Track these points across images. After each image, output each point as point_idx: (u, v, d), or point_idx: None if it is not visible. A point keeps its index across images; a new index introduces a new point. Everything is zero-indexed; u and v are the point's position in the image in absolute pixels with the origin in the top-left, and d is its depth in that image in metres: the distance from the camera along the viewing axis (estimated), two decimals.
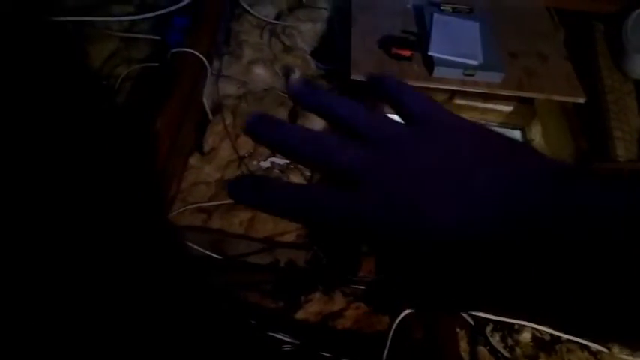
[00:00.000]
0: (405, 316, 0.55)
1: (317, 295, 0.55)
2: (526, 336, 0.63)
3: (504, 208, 0.20)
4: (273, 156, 0.82)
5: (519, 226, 0.19)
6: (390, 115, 0.26)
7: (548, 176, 0.20)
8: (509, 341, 0.63)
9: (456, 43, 0.85)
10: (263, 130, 0.25)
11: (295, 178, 0.79)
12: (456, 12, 0.90)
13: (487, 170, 0.21)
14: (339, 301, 0.56)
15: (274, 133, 0.25)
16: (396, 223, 0.21)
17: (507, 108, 0.92)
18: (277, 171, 0.78)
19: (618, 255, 0.17)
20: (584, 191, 0.19)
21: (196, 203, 0.74)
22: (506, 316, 0.62)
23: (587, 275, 0.18)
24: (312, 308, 0.55)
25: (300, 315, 0.55)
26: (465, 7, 0.91)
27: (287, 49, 0.91)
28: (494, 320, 0.61)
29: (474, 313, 0.58)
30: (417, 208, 0.21)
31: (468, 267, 0.20)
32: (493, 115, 0.92)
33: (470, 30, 0.88)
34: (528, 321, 0.62)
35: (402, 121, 0.26)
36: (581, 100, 0.86)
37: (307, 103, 0.26)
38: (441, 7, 0.90)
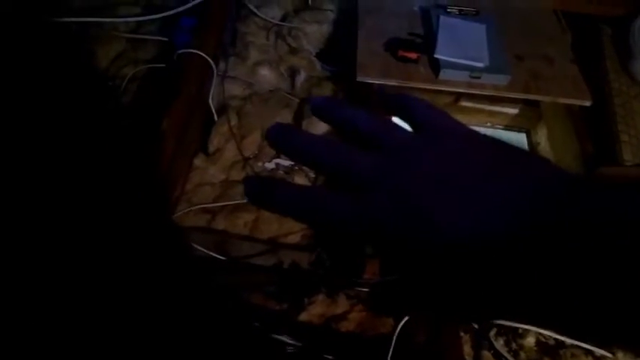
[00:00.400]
0: (408, 320, 0.55)
1: (320, 297, 0.55)
2: (530, 340, 0.63)
3: (514, 216, 0.20)
4: (278, 157, 0.82)
5: (527, 233, 0.19)
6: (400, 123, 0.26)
7: (555, 185, 0.21)
8: (514, 346, 0.63)
9: (462, 46, 0.85)
10: (283, 139, 0.27)
11: (300, 180, 0.79)
12: (462, 14, 0.90)
13: (497, 179, 0.22)
14: (342, 304, 0.56)
15: (294, 142, 0.26)
16: (409, 228, 0.22)
17: (513, 110, 0.91)
18: (282, 172, 0.78)
19: (624, 261, 0.17)
20: (589, 198, 0.19)
21: (201, 204, 0.74)
22: (510, 321, 0.62)
23: (593, 281, 0.18)
24: (315, 311, 0.55)
25: (303, 317, 0.55)
26: (471, 9, 0.91)
27: (293, 51, 0.91)
28: (499, 324, 0.61)
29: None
30: (429, 214, 0.21)
31: (478, 273, 0.20)
32: (499, 117, 0.92)
33: (476, 32, 0.88)
34: (533, 325, 0.62)
35: (413, 131, 0.27)
36: (588, 103, 0.86)
37: (330, 118, 0.28)
38: (448, 10, 0.90)
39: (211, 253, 0.68)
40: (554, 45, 0.91)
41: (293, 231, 0.72)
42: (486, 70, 0.82)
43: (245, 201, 0.75)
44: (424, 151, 0.24)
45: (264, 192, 0.26)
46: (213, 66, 0.82)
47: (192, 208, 0.73)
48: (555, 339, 0.63)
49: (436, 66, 0.82)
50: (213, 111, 0.81)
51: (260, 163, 0.80)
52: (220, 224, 0.72)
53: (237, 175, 0.78)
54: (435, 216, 0.21)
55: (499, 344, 0.63)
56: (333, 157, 0.25)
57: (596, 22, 0.99)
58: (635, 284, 0.17)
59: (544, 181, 0.21)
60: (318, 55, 0.93)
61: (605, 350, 0.62)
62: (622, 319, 0.18)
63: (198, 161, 0.78)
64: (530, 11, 0.96)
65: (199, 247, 0.69)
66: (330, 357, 0.53)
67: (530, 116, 0.92)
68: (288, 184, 0.26)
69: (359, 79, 0.80)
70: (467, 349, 0.61)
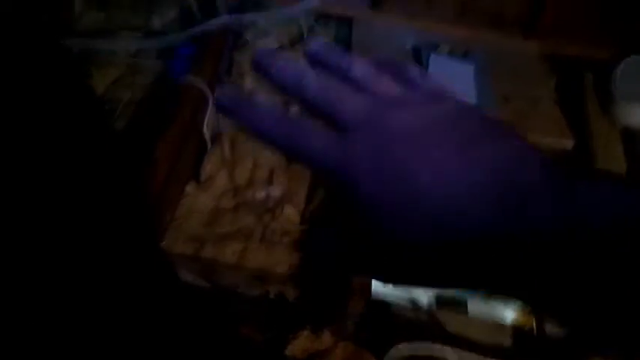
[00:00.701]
0: (392, 357, 0.57)
1: (305, 332, 0.57)
2: None
3: (500, 196, 0.19)
4: (270, 185, 0.83)
5: (512, 217, 0.18)
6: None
7: (547, 172, 0.20)
8: None
9: (451, 85, 0.87)
10: (272, 63, 0.26)
11: (289, 209, 0.80)
12: (452, 54, 0.93)
13: (485, 151, 0.21)
14: (326, 340, 0.57)
15: (283, 68, 0.26)
16: (384, 182, 0.21)
17: None
18: (272, 203, 0.80)
19: (619, 262, 0.16)
20: (585, 194, 0.18)
21: (190, 231, 0.75)
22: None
23: (584, 278, 0.17)
24: (299, 346, 0.56)
25: (287, 352, 0.57)
26: (461, 49, 0.94)
27: None
28: None
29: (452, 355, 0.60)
30: (406, 172, 0.21)
31: (453, 253, 0.19)
32: None
33: (465, 72, 0.91)
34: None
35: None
36: (570, 145, 0.89)
37: (325, 62, 0.27)
38: (438, 49, 0.93)
39: (198, 282, 0.69)
40: (539, 87, 0.94)
41: (281, 261, 0.74)
42: None
43: (235, 229, 0.77)
44: (416, 108, 0.23)
45: (240, 108, 0.25)
46: (209, 94, 0.84)
47: (180, 236, 0.74)
48: None
49: None
50: (207, 139, 0.83)
51: (251, 192, 0.82)
52: (208, 252, 0.73)
53: (228, 203, 0.79)
54: (413, 177, 0.20)
55: None
56: (322, 89, 0.25)
57: (580, 65, 1.03)
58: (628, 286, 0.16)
59: (538, 167, 0.20)
60: None
61: None
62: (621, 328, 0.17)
63: (190, 188, 0.79)
64: (517, 53, 0.99)
65: (186, 275, 0.70)
66: None
67: None
68: (264, 104, 0.25)
69: None
70: None
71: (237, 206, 0.80)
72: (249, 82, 0.93)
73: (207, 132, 0.83)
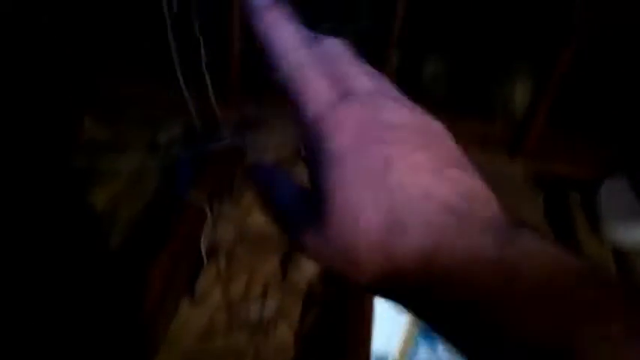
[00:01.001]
0: None
1: None
2: None
3: (459, 223, 0.19)
4: (264, 300, 0.83)
5: (459, 250, 0.19)
6: None
7: (498, 215, 0.20)
8: None
9: None
10: (274, 22, 0.25)
11: (283, 327, 0.80)
12: None
13: (457, 176, 0.21)
14: None
15: (283, 30, 0.25)
16: (357, 149, 0.21)
17: None
18: (266, 320, 0.79)
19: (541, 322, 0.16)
20: (524, 245, 0.19)
21: (183, 349, 0.74)
22: None
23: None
24: None
25: None
26: None
27: None
28: None
29: None
30: (383, 155, 0.21)
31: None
32: None
33: None
34: None
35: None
36: None
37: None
38: None
39: None
40: (526, 208, 0.98)
41: None
42: None
43: (228, 349, 0.75)
44: (413, 112, 0.23)
45: (270, 12, 0.24)
46: (208, 209, 0.87)
47: (172, 355, 0.73)
48: None
49: None
50: (204, 254, 0.84)
51: (245, 308, 0.81)
52: None
53: (221, 319, 0.79)
54: (387, 165, 0.20)
55: None
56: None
57: (565, 185, 1.08)
58: None
59: (485, 210, 0.20)
60: None
61: None
62: None
63: (184, 304, 0.79)
64: (503, 173, 1.04)
65: None
66: None
67: None
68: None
69: None
70: None
71: (231, 322, 0.79)
72: (247, 198, 0.96)
73: (204, 248, 0.84)
